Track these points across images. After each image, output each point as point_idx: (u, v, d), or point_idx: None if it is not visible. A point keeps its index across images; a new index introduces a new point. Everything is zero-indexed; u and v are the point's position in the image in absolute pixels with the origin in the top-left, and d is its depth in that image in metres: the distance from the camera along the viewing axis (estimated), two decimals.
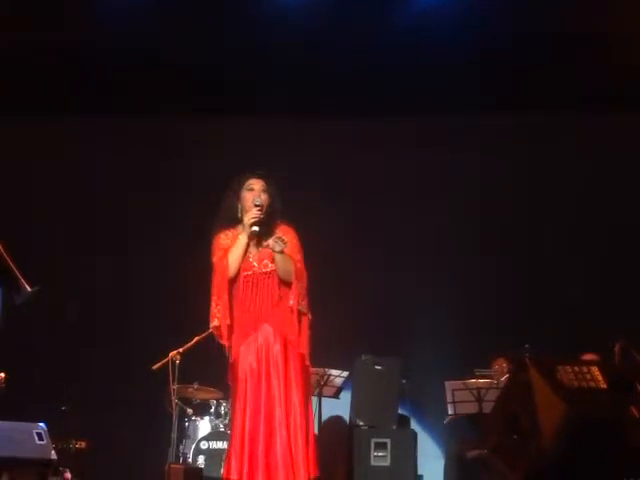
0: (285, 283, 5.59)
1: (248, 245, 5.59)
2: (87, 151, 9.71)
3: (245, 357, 5.51)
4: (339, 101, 9.34)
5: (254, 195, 5.60)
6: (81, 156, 9.72)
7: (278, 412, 5.39)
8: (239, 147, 9.45)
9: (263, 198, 5.60)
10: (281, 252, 5.51)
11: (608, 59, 8.77)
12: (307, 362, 5.60)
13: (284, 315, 5.58)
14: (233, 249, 5.56)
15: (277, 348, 5.51)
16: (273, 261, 5.58)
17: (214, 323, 5.58)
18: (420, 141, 9.79)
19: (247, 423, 5.40)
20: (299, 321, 5.59)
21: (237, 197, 5.68)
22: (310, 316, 5.67)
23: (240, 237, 5.57)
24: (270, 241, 5.51)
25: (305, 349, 5.59)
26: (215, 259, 5.62)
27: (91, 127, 9.70)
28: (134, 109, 9.55)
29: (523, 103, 9.28)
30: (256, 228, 5.51)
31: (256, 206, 5.53)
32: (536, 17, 8.63)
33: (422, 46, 8.88)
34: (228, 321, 5.53)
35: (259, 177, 5.71)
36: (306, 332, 5.63)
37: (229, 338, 5.58)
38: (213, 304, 5.59)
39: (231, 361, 5.59)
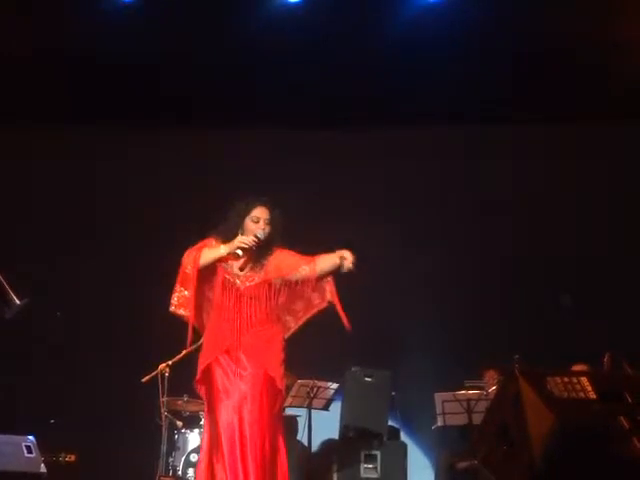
0: (269, 287, 5.57)
1: (224, 258, 5.56)
2: (84, 158, 9.74)
3: (217, 382, 5.49)
4: (337, 113, 9.39)
5: (258, 228, 5.56)
6: (76, 162, 9.73)
7: (249, 440, 5.37)
8: (238, 156, 9.51)
9: (266, 231, 5.60)
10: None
11: (607, 72, 8.84)
12: (279, 386, 5.53)
13: (260, 338, 5.54)
14: (208, 250, 5.53)
15: (250, 373, 5.48)
16: (255, 279, 5.59)
17: (171, 309, 5.57)
18: (418, 156, 9.83)
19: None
20: (274, 342, 5.58)
21: (241, 222, 5.65)
22: (284, 338, 5.65)
23: (222, 247, 5.54)
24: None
25: (276, 372, 5.52)
26: (188, 250, 5.57)
27: (90, 133, 9.72)
28: (133, 117, 9.59)
29: (522, 116, 9.36)
30: (239, 252, 5.48)
31: (256, 237, 5.52)
32: (536, 30, 8.68)
33: (421, 59, 8.95)
34: (193, 312, 5.52)
35: (265, 206, 5.66)
36: (280, 355, 5.59)
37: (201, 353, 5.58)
38: (174, 290, 5.56)
39: (199, 377, 5.54)
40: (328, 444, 8.71)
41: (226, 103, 9.34)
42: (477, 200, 9.79)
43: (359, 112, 9.45)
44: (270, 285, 5.59)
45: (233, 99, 9.31)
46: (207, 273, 5.56)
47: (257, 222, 5.58)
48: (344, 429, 8.45)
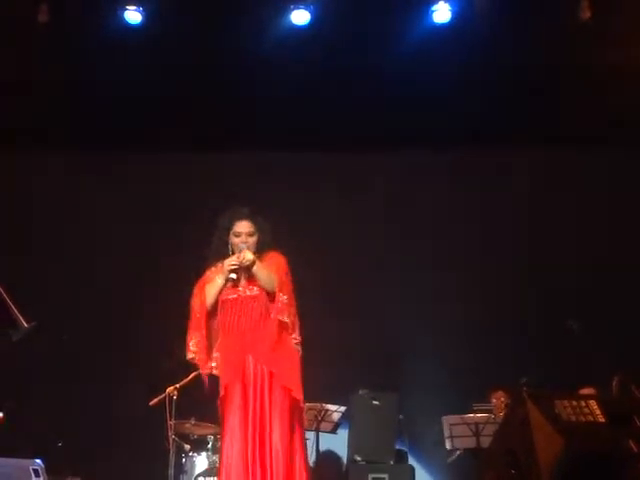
0: (270, 297, 5.66)
1: (224, 286, 5.66)
2: (82, 183, 9.76)
3: (233, 398, 5.54)
4: (335, 135, 9.42)
5: (241, 242, 5.71)
6: (75, 187, 9.75)
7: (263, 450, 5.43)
8: (238, 180, 9.52)
9: (250, 241, 5.69)
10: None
11: (605, 94, 8.85)
12: (297, 396, 5.57)
13: (269, 345, 5.59)
14: (209, 287, 5.71)
15: (262, 385, 5.55)
16: (255, 290, 5.68)
17: (189, 356, 5.72)
18: (415, 175, 9.84)
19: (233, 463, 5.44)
20: (284, 345, 5.61)
21: (227, 239, 5.77)
22: (300, 351, 5.70)
23: (217, 278, 5.68)
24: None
25: (293, 383, 5.58)
26: (194, 291, 5.75)
27: (87, 161, 9.75)
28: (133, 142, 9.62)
29: (523, 138, 9.37)
30: (233, 276, 5.62)
31: (240, 253, 5.63)
32: (536, 51, 8.71)
33: (420, 80, 8.97)
34: (204, 356, 5.65)
35: (245, 219, 5.77)
36: (297, 367, 5.63)
37: (219, 370, 5.68)
38: (188, 337, 5.71)
39: (221, 395, 5.61)
40: (336, 467, 8.68)
41: (226, 126, 9.39)
42: (480, 220, 9.77)
43: (363, 134, 9.46)
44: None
45: (233, 121, 9.35)
46: (213, 307, 5.74)
47: (239, 236, 5.75)
48: (352, 452, 8.42)
